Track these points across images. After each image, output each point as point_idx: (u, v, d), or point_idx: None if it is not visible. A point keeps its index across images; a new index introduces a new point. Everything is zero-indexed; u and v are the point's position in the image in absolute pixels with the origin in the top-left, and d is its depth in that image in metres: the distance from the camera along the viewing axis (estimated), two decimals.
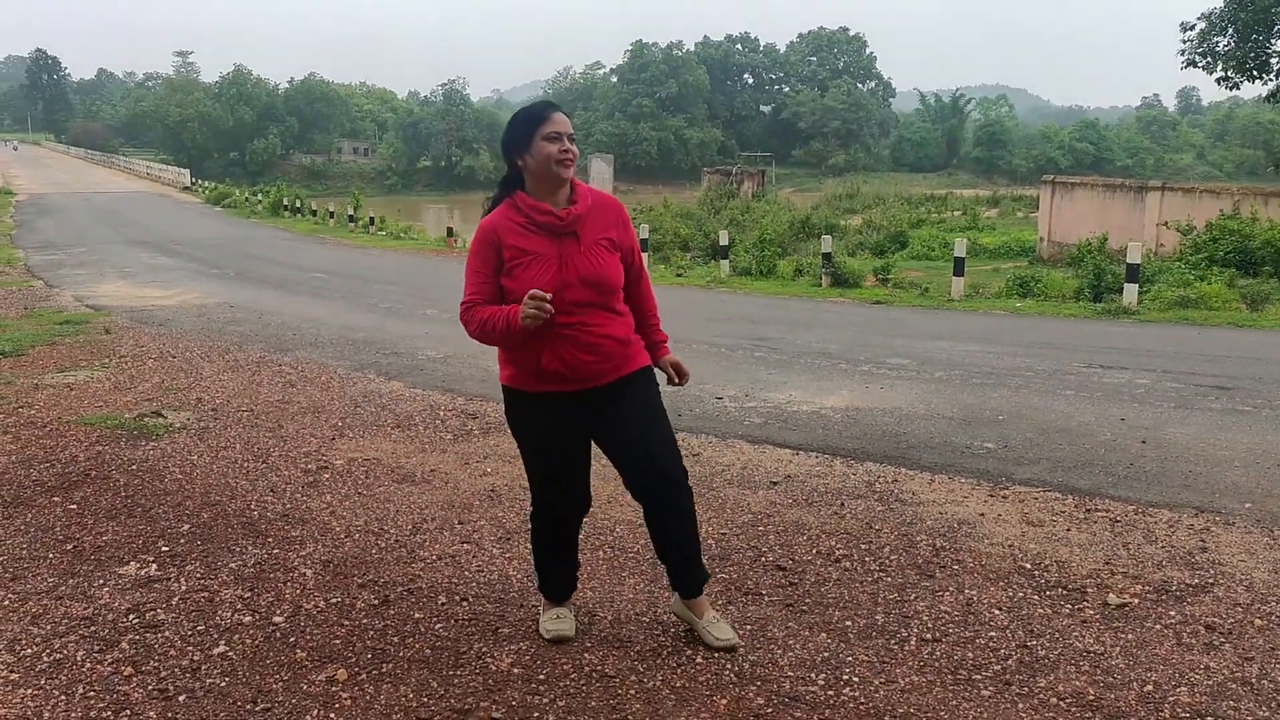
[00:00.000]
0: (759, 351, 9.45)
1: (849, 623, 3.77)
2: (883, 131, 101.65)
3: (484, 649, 3.58)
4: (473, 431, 6.56)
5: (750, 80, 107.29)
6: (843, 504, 5.12)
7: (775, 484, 5.45)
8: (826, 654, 3.53)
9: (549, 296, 3.14)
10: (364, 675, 3.42)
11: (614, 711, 3.17)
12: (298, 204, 33.97)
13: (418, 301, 13.38)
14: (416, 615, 3.86)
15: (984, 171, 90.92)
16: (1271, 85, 30.50)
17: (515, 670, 3.43)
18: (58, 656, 3.60)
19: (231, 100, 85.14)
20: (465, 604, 3.96)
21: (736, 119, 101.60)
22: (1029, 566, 4.32)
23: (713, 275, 16.83)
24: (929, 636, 3.66)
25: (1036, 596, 4.01)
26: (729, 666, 3.44)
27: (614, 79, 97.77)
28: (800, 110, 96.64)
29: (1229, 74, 30.22)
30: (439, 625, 3.77)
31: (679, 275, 17.19)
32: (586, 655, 3.52)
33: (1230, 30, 29.68)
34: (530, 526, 3.70)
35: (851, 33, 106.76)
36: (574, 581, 3.81)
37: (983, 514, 4.99)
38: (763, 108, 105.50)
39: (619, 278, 3.38)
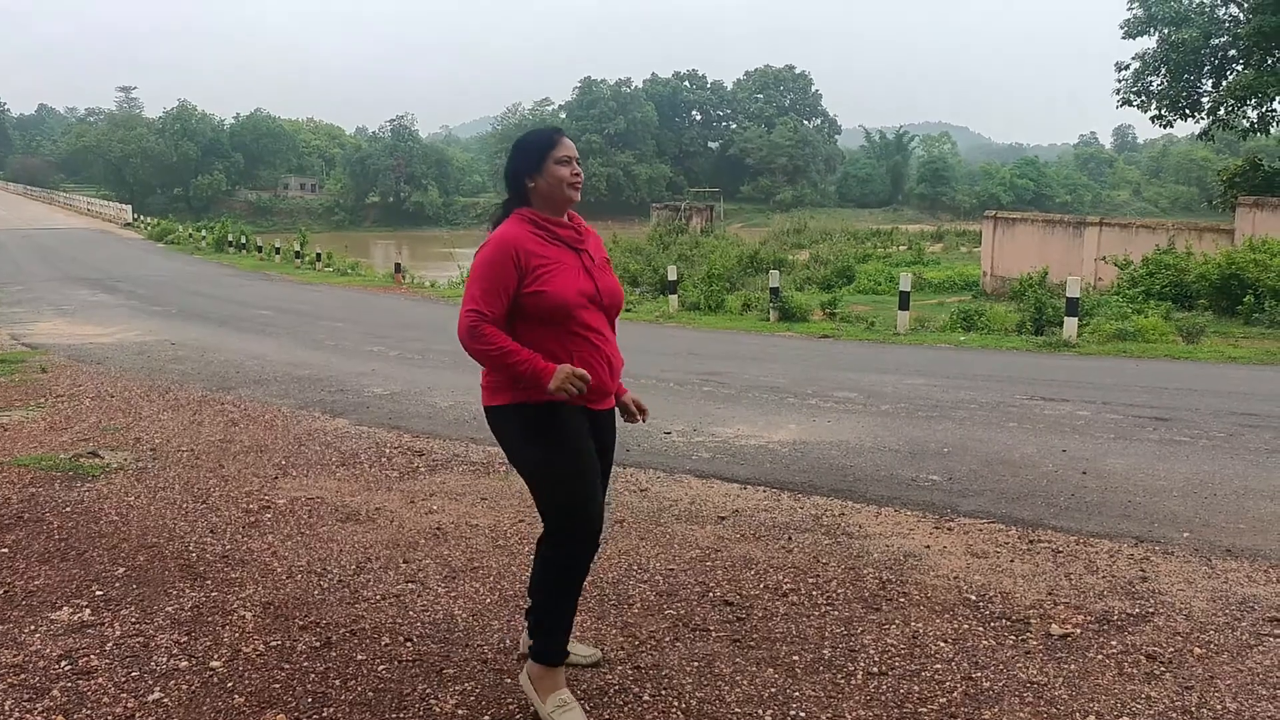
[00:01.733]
0: (707, 386, 9.49)
1: (796, 657, 3.77)
2: (829, 168, 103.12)
3: (428, 690, 3.52)
4: (419, 469, 6.49)
5: (698, 117, 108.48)
6: (790, 538, 5.13)
7: (723, 519, 5.45)
8: (774, 690, 3.51)
9: (590, 380, 3.16)
10: (304, 719, 3.35)
11: None
12: (243, 240, 33.59)
13: (364, 338, 13.27)
14: (359, 657, 3.79)
15: (928, 207, 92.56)
16: (1204, 123, 31.45)
17: (460, 712, 3.37)
18: None
19: (175, 136, 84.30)
20: (409, 644, 3.89)
21: (685, 155, 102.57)
22: (974, 598, 4.35)
23: (661, 310, 16.89)
24: (876, 670, 3.66)
25: (981, 628, 4.04)
26: (676, 704, 3.41)
27: (563, 115, 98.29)
28: (747, 146, 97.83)
29: (1163, 112, 31.14)
30: (382, 667, 3.70)
31: (627, 310, 17.22)
32: None
33: (1163, 70, 30.61)
34: (551, 569, 3.28)
35: (797, 71, 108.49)
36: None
37: (928, 546, 5.02)
38: (710, 144, 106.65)
39: (623, 299, 3.53)
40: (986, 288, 26.68)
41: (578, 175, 3.29)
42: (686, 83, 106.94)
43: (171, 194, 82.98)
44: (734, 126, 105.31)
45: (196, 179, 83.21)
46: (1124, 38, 31.01)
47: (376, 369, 10.56)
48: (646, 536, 5.14)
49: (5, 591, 4.46)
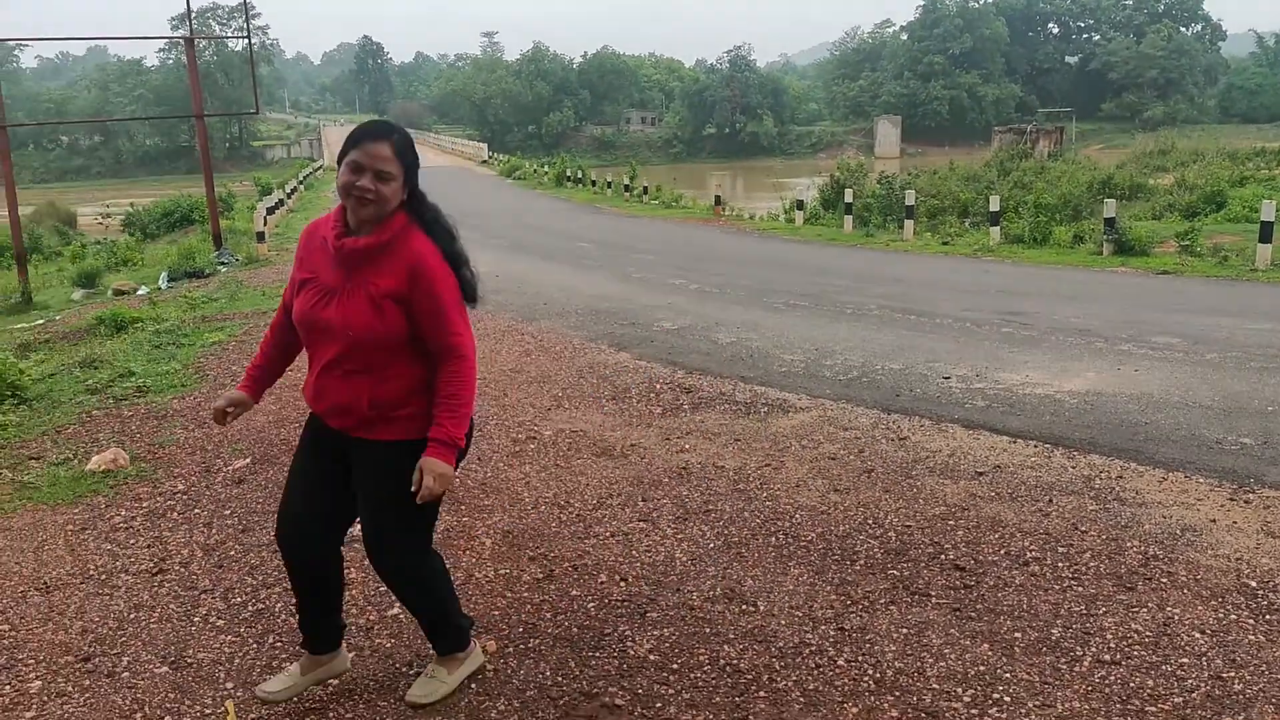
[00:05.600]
0: (1006, 327, 8.85)
1: (1019, 635, 3.47)
2: (1209, 80, 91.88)
3: (627, 631, 3.59)
4: (683, 406, 6.57)
5: (1055, 30, 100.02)
6: (1050, 500, 4.71)
7: (980, 474, 5.10)
8: (983, 668, 3.26)
9: (229, 415, 3.10)
10: (511, 649, 3.53)
11: (737, 710, 3.08)
12: (579, 175, 35.31)
13: (671, 271, 13.55)
14: (574, 592, 3.93)
15: None
16: None
17: (651, 657, 3.41)
18: (260, 607, 3.95)
19: (530, 77, 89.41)
20: (623, 584, 3.98)
21: (1037, 73, 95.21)
22: (1254, 585, 3.79)
23: (981, 243, 15.90)
24: (1108, 658, 3.30)
25: (1251, 620, 3.52)
26: (870, 672, 3.26)
27: (904, 37, 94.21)
28: (1112, 60, 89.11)
29: None
30: (591, 604, 3.82)
31: (945, 244, 16.36)
32: (726, 648, 3.45)
33: None
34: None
35: None
36: (325, 637, 3.26)
37: (1214, 520, 4.43)
38: (1068, 59, 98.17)
39: (371, 334, 2.85)
40: None
41: (360, 188, 2.78)
42: None
43: (526, 131, 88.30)
44: (1096, 38, 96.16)
45: (548, 117, 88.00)
46: None
47: (673, 302, 10.76)
48: (891, 489, 4.92)
49: None
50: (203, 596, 4.06)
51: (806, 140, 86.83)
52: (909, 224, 17.48)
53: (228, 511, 4.99)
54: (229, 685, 3.34)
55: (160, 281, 15.76)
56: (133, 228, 28.98)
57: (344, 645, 3.36)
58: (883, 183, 24.91)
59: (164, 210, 29.43)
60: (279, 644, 3.65)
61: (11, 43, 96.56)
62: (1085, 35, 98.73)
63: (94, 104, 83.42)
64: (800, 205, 22.04)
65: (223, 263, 17.07)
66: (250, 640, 3.68)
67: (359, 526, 3.13)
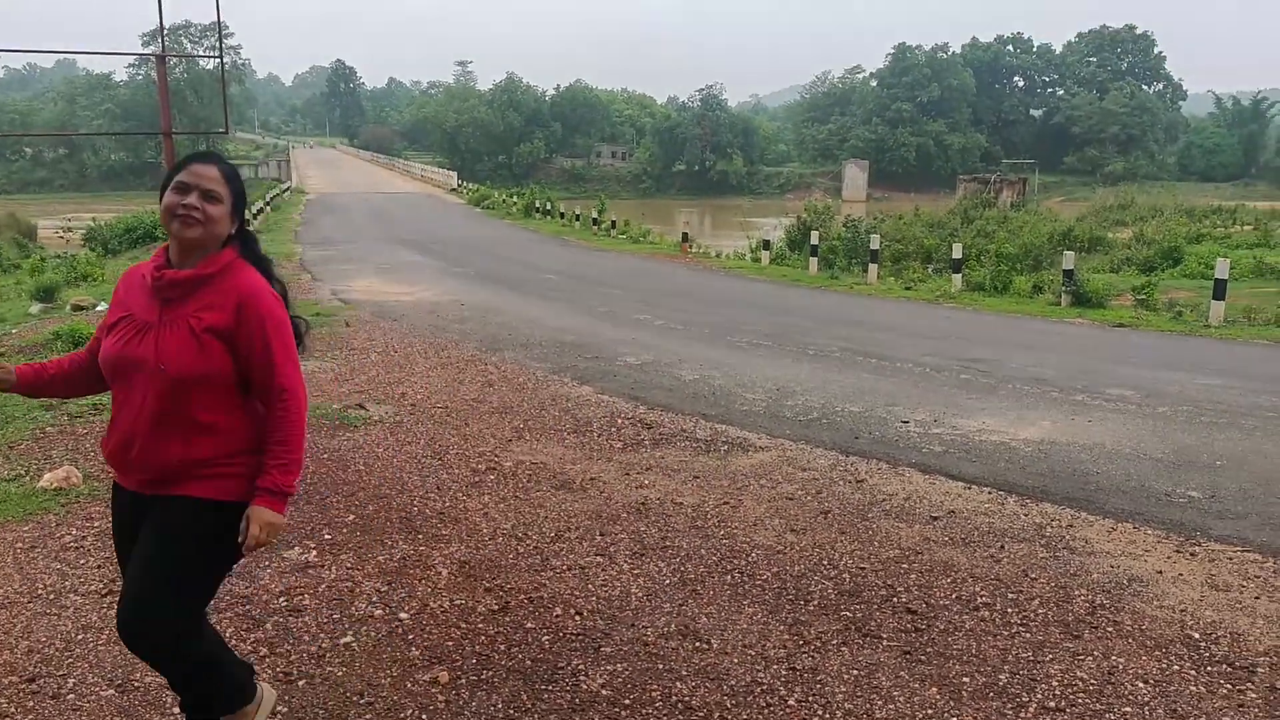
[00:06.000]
0: (965, 374, 8.98)
1: (967, 679, 3.52)
2: (1169, 137, 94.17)
3: (581, 666, 3.60)
4: (643, 442, 6.60)
5: (1020, 83, 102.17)
6: (1002, 546, 4.79)
7: (935, 519, 5.17)
8: (930, 711, 3.31)
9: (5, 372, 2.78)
10: (464, 680, 3.52)
11: None
12: (548, 206, 35.41)
13: (635, 306, 13.61)
14: (529, 625, 3.93)
15: None
16: None
17: (604, 692, 3.42)
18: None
19: (502, 106, 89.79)
20: (578, 618, 3.99)
21: (1003, 124, 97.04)
22: (1196, 636, 3.87)
23: (942, 290, 16.13)
24: (1053, 705, 3.36)
25: (1194, 671, 3.59)
26: (820, 713, 3.29)
27: (873, 83, 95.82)
28: (1075, 114, 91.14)
29: None
30: (546, 637, 3.82)
31: (907, 289, 16.58)
32: (679, 685, 3.47)
33: None
34: None
35: (1138, 31, 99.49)
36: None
37: (1160, 571, 4.52)
38: (1032, 112, 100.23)
39: (190, 371, 2.59)
40: None
41: (187, 207, 2.61)
42: (1010, 46, 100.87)
43: (496, 161, 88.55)
44: (1060, 93, 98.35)
45: (518, 147, 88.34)
46: None
47: (636, 338, 10.82)
48: (847, 531, 4.97)
49: None
50: None
51: (775, 181, 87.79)
52: (873, 268, 17.69)
53: None
54: (175, 710, 3.30)
55: None
56: (94, 243, 28.59)
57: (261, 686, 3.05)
58: (848, 226, 25.26)
59: (126, 226, 29.08)
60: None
61: None
62: (1050, 90, 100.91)
63: (60, 117, 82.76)
64: (766, 245, 22.24)
65: None
66: None
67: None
